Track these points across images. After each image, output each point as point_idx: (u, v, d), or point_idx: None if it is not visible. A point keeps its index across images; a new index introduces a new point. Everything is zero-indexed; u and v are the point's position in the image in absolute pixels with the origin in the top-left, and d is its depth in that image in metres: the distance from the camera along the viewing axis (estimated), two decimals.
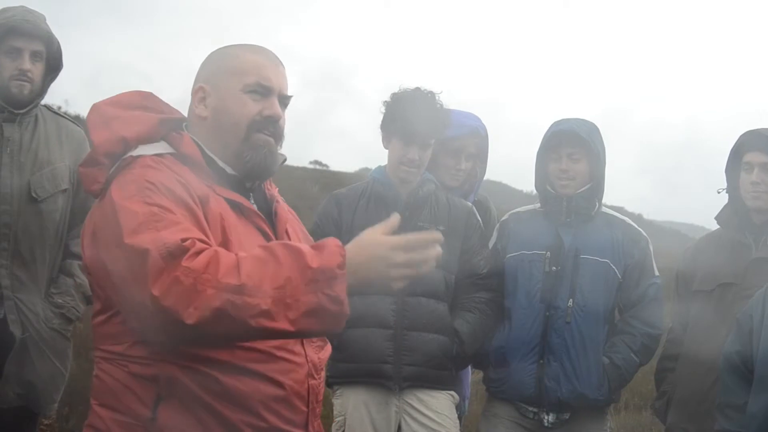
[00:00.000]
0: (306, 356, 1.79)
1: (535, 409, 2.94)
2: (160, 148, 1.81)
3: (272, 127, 1.85)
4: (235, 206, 1.79)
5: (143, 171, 1.70)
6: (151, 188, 1.65)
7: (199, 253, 1.52)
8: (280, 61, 1.92)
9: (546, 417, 2.93)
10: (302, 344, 1.79)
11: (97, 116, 1.83)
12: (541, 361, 2.91)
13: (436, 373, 2.89)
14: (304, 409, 1.78)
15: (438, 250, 1.67)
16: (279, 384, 1.72)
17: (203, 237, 1.60)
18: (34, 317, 2.90)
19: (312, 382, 1.81)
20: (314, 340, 1.84)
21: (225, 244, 1.68)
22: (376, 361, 2.84)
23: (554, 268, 2.94)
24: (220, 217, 1.72)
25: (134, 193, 1.64)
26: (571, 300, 2.91)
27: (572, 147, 2.98)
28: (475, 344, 2.96)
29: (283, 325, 1.50)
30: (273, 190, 2.00)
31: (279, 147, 1.90)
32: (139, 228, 1.56)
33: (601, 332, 2.95)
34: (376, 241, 1.60)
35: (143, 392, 1.68)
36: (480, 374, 3.28)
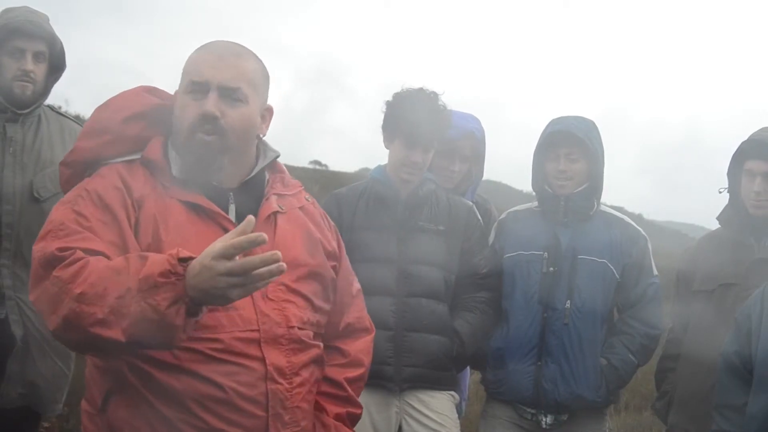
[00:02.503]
0: (264, 360, 1.75)
1: (533, 411, 2.94)
2: (134, 154, 1.85)
3: (208, 125, 1.80)
4: (193, 207, 1.79)
5: (92, 179, 1.80)
6: (83, 196, 1.74)
7: (73, 263, 1.58)
8: (233, 52, 1.86)
9: (544, 419, 2.93)
10: (260, 346, 1.76)
11: (95, 123, 1.88)
12: (539, 363, 2.91)
13: (437, 374, 2.90)
14: (261, 414, 1.75)
15: (272, 266, 1.53)
16: (218, 385, 1.70)
17: (93, 246, 1.63)
18: (35, 317, 2.90)
19: (273, 386, 1.76)
20: (283, 342, 1.80)
21: (156, 244, 1.70)
22: (377, 362, 2.81)
23: (552, 268, 2.94)
24: (153, 219, 1.74)
25: (70, 199, 1.75)
26: (568, 301, 2.90)
27: (569, 147, 2.96)
28: (475, 344, 2.96)
29: (116, 334, 1.52)
30: (285, 189, 1.97)
31: (229, 143, 1.82)
32: (45, 236, 1.68)
33: (599, 333, 2.94)
34: (205, 252, 1.53)
35: (100, 384, 1.74)
36: (479, 375, 3.29)
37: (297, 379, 1.82)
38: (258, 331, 1.76)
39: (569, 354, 2.88)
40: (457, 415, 3.01)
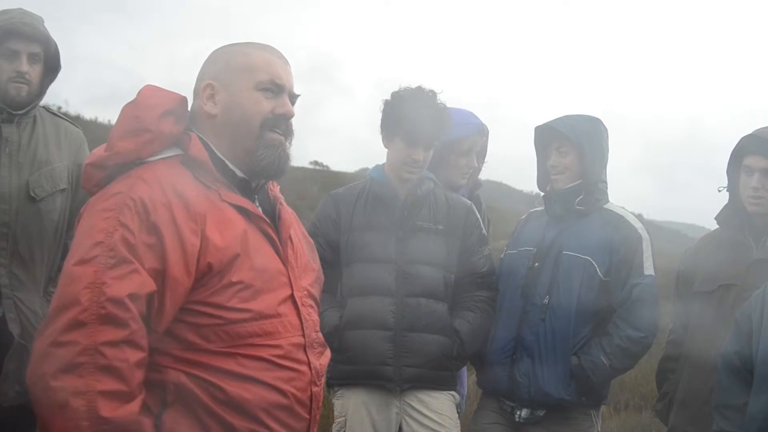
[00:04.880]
0: (309, 364, 1.81)
1: (512, 404, 2.94)
2: (168, 151, 1.80)
3: (284, 125, 1.86)
4: (242, 212, 1.79)
5: (135, 185, 1.69)
6: (129, 206, 1.65)
7: (121, 366, 1.54)
8: (287, 60, 1.93)
9: (518, 412, 2.92)
10: (305, 352, 1.81)
11: (133, 122, 1.78)
12: (514, 357, 2.92)
13: (437, 374, 2.90)
14: (307, 416, 1.81)
15: None
16: (282, 392, 1.74)
17: (142, 290, 1.58)
18: (32, 316, 2.90)
19: (314, 389, 1.83)
20: (315, 346, 1.86)
21: (230, 260, 1.69)
22: (376, 362, 2.84)
23: (536, 264, 2.95)
24: (239, 235, 1.73)
25: (112, 207, 1.65)
26: (547, 297, 2.89)
27: (559, 142, 3.00)
28: (475, 344, 2.96)
29: None
30: (275, 190, 2.00)
31: (289, 145, 1.90)
32: (92, 260, 1.58)
33: (577, 331, 2.88)
34: None
35: (149, 398, 1.66)
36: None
37: (322, 380, 1.90)
38: (303, 335, 1.81)
39: (542, 350, 2.87)
40: (457, 415, 3.01)
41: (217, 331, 1.68)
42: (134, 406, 1.55)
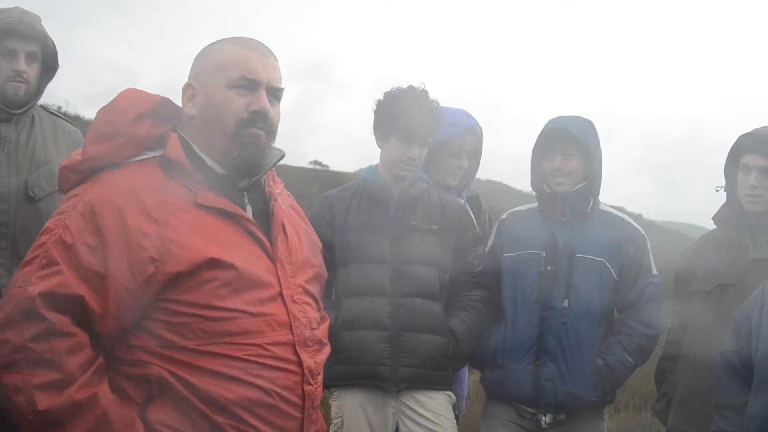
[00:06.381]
0: (301, 362, 1.78)
1: (533, 410, 2.94)
2: (149, 153, 1.80)
3: (261, 122, 1.81)
4: (219, 212, 1.77)
5: (93, 187, 1.71)
6: (78, 208, 1.67)
7: (48, 359, 1.58)
8: (270, 52, 1.87)
9: (543, 418, 2.92)
10: (295, 350, 1.78)
11: (105, 126, 1.80)
12: (538, 362, 2.91)
13: (433, 374, 2.89)
14: (298, 415, 1.78)
15: None
16: (265, 391, 1.72)
17: (64, 292, 1.60)
18: None
19: (308, 388, 1.79)
20: (309, 344, 1.83)
21: (197, 257, 1.67)
22: (373, 363, 2.85)
23: (549, 267, 2.94)
24: (187, 236, 1.69)
25: (65, 210, 1.69)
26: (566, 300, 2.90)
27: (565, 144, 2.98)
28: (470, 343, 2.96)
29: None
30: (275, 187, 1.96)
31: (271, 141, 1.86)
32: (31, 260, 1.65)
33: (596, 332, 2.94)
34: None
35: (135, 393, 1.69)
36: (479, 374, 3.28)
37: (319, 379, 1.86)
38: (292, 334, 1.78)
39: (567, 353, 2.88)
40: (453, 415, 3.01)
41: (193, 329, 1.67)
42: (72, 390, 1.58)
